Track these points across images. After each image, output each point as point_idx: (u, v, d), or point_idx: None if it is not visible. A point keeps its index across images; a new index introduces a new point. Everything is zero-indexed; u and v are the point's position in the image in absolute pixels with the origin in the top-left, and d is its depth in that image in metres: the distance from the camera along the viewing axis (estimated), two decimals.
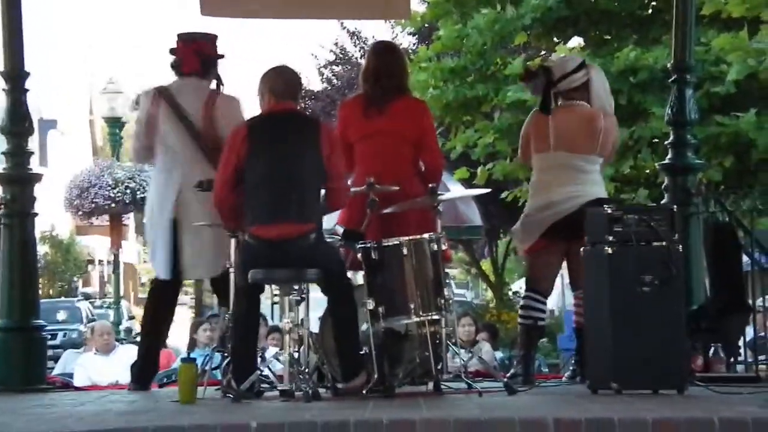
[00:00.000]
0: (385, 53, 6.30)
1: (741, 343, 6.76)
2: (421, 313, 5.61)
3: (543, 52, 14.06)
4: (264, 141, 5.61)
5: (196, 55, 6.30)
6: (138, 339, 9.37)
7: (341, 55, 22.57)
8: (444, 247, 5.73)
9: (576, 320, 6.38)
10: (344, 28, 22.28)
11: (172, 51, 6.36)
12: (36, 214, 6.95)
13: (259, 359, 5.73)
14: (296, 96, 5.83)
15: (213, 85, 6.34)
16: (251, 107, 6.20)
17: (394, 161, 6.01)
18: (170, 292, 6.35)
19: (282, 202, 5.52)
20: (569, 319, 9.81)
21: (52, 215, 23.25)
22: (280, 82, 5.74)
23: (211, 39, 6.38)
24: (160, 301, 6.35)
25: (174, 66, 6.37)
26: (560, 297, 18.15)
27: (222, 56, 6.39)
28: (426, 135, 6.15)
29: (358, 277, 5.97)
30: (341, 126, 6.20)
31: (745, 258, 6.89)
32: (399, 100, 6.12)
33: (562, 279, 12.14)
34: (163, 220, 6.15)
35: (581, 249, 5.81)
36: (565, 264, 6.41)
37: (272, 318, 8.63)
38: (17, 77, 6.89)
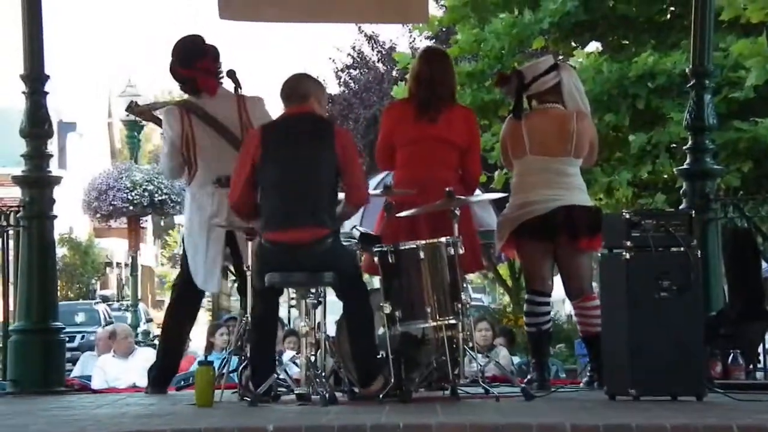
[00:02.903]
0: (438, 60, 6.28)
1: (760, 350, 6.73)
2: (438, 318, 5.61)
3: (560, 57, 14.05)
4: (277, 145, 5.62)
5: (207, 74, 6.19)
6: (156, 342, 9.39)
7: (359, 59, 22.58)
8: (461, 251, 5.69)
9: (581, 330, 6.37)
10: (362, 32, 22.30)
11: (179, 75, 6.21)
12: (55, 217, 6.98)
13: (276, 363, 5.74)
14: (304, 96, 5.72)
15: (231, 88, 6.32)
16: (271, 111, 6.22)
17: (440, 168, 6.02)
18: (195, 298, 6.37)
19: (294, 207, 5.53)
20: None
21: (70, 218, 23.33)
22: (285, 87, 5.75)
23: (208, 52, 6.24)
24: (184, 306, 6.35)
25: (188, 89, 6.27)
26: None
27: (219, 57, 6.25)
28: (474, 144, 6.20)
29: (375, 281, 5.97)
30: (388, 127, 6.20)
31: (764, 264, 6.86)
32: (451, 108, 6.14)
33: None
34: (217, 233, 6.10)
35: (572, 256, 5.87)
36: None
37: (289, 321, 8.64)
38: (37, 80, 6.93)
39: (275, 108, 6.01)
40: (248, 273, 5.84)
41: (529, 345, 6.48)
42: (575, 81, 6.34)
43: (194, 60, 6.21)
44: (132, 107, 6.51)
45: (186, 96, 6.37)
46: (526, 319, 6.39)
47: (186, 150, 6.16)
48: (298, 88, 5.76)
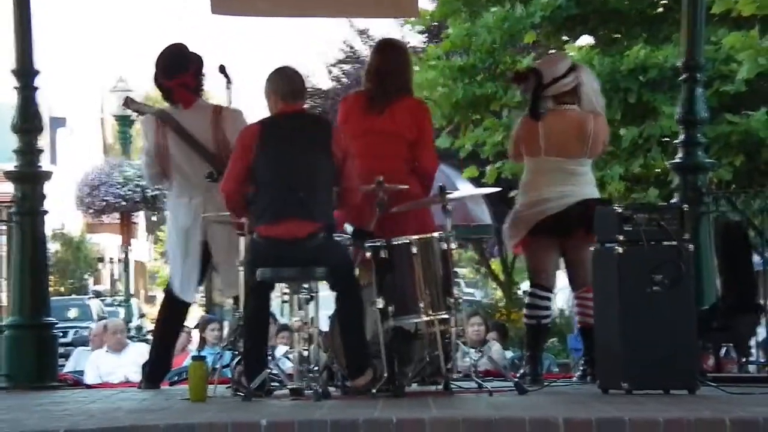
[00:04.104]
0: (389, 51, 6.29)
1: (752, 343, 6.75)
2: (430, 312, 5.61)
3: (552, 51, 14.05)
4: (273, 141, 5.63)
5: (184, 89, 6.19)
6: (149, 337, 9.39)
7: (350, 54, 22.56)
8: (454, 246, 5.72)
9: (579, 321, 6.40)
10: (353, 26, 22.28)
11: (158, 84, 6.22)
12: (46, 212, 6.97)
13: (268, 358, 5.74)
14: (302, 95, 5.80)
15: (221, 86, 6.31)
16: (259, 107, 6.19)
17: (389, 160, 5.96)
18: (184, 305, 6.37)
19: (288, 200, 5.53)
20: None
21: (62, 213, 23.31)
22: (284, 83, 5.72)
23: (190, 67, 6.20)
24: (176, 303, 6.35)
25: (166, 98, 6.28)
26: (570, 296, 18.10)
27: (202, 71, 6.20)
28: (423, 136, 6.13)
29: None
30: (340, 121, 6.20)
31: (756, 257, 6.88)
32: (401, 100, 6.11)
33: None
34: (192, 245, 6.14)
35: (583, 247, 5.83)
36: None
37: (282, 316, 8.64)
38: (28, 75, 6.91)
39: (261, 103, 6.00)
40: (240, 269, 5.84)
41: (525, 337, 6.49)
42: (593, 82, 6.38)
43: (174, 73, 6.19)
44: (128, 103, 6.51)
45: (166, 105, 6.36)
46: (527, 311, 6.39)
47: (160, 161, 6.18)
48: (297, 85, 5.76)
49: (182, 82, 6.18)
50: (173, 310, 6.35)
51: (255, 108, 6.28)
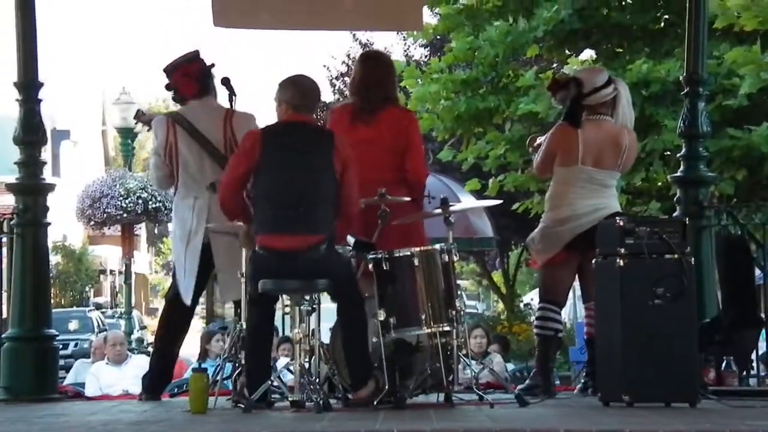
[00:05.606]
0: (371, 63, 6.33)
1: (753, 356, 6.74)
2: (432, 325, 5.61)
3: (555, 65, 14.07)
4: (276, 150, 5.63)
5: (187, 78, 6.24)
6: (150, 349, 9.39)
7: (353, 67, 22.59)
8: (456, 259, 5.73)
9: (587, 331, 6.38)
10: (356, 39, 22.32)
11: (167, 86, 6.29)
12: (48, 224, 6.97)
13: (270, 369, 5.73)
14: (313, 108, 5.84)
15: (224, 99, 6.33)
16: (264, 120, 6.20)
17: (377, 171, 5.93)
18: (187, 310, 6.37)
19: (289, 213, 5.53)
20: (581, 331, 9.80)
21: (64, 225, 23.32)
22: (298, 94, 5.73)
23: (191, 58, 6.28)
24: (176, 317, 6.35)
25: (176, 98, 6.35)
26: (572, 309, 18.12)
27: (212, 65, 6.30)
28: (411, 145, 6.13)
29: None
30: None
31: (757, 271, 6.87)
32: (386, 110, 6.13)
33: (574, 291, 12.07)
34: (194, 247, 6.15)
35: (593, 261, 5.82)
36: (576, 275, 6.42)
37: (283, 328, 8.63)
38: (31, 87, 6.92)
39: (265, 117, 6.02)
40: (242, 280, 5.84)
41: (538, 348, 6.45)
42: (628, 95, 6.41)
43: (177, 64, 6.27)
44: (139, 116, 6.54)
45: (178, 107, 6.40)
46: (539, 323, 6.37)
47: (169, 161, 6.20)
48: (311, 97, 5.78)
49: (185, 71, 6.24)
50: (174, 319, 6.35)
51: (256, 115, 6.29)
